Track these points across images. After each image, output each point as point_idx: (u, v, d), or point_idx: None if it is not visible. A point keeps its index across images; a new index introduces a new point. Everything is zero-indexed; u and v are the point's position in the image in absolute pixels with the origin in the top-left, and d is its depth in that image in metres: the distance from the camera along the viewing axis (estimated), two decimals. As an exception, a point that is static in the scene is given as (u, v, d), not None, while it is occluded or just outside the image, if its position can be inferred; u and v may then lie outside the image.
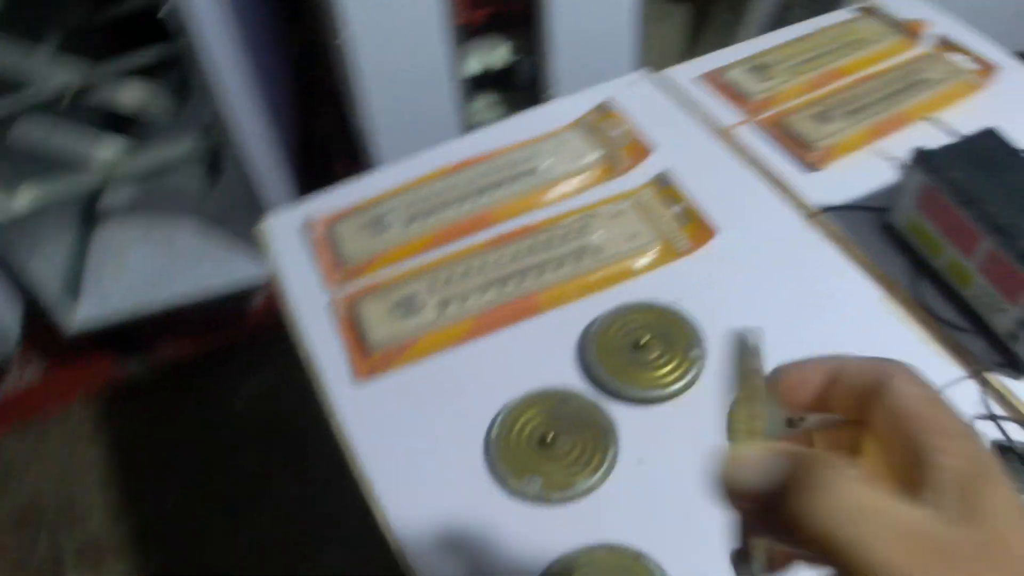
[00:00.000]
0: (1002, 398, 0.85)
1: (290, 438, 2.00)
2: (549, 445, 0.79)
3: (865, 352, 0.77)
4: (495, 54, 1.76)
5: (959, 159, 0.92)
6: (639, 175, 1.04)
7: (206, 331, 2.21)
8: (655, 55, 2.09)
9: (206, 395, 2.13)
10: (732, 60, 1.19)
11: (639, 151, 1.06)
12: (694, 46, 2.40)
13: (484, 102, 1.88)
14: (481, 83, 1.84)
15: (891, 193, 1.01)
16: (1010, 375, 0.88)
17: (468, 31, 1.72)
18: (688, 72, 1.19)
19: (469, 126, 1.81)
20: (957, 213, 0.88)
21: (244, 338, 2.20)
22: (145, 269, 2.00)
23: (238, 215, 2.00)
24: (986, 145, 0.95)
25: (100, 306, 1.94)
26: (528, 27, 1.72)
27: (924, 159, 0.90)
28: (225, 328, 2.21)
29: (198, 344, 2.22)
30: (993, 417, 0.84)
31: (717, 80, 1.16)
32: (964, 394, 0.86)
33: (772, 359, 0.86)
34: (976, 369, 0.89)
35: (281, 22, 2.26)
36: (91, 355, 2.18)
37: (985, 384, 0.87)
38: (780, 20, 2.21)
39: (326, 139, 2.32)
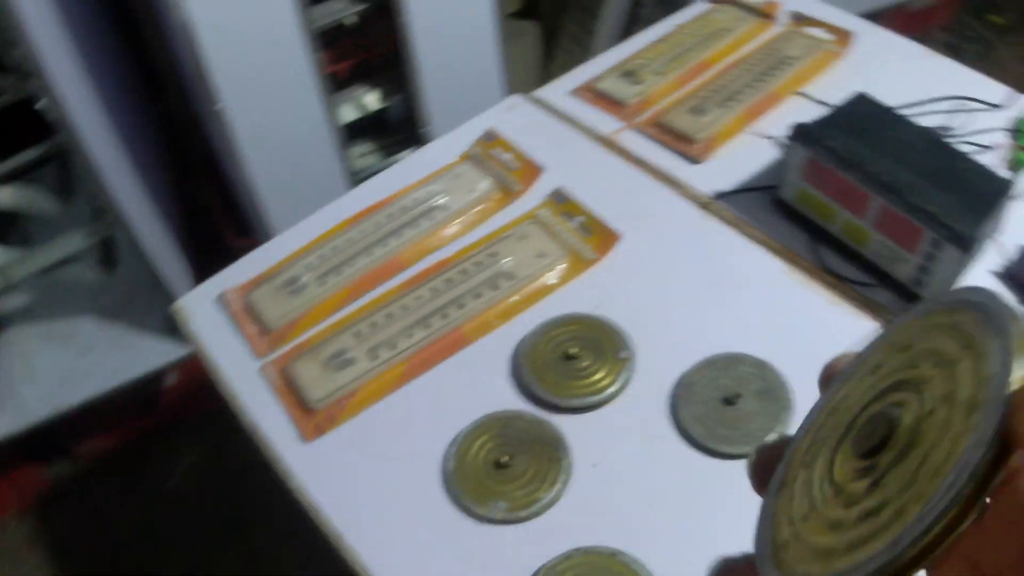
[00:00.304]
0: None
1: (232, 513, 1.97)
2: (505, 467, 0.81)
3: (779, 322, 0.81)
4: (367, 100, 1.77)
5: (836, 127, 0.96)
6: (535, 196, 1.06)
7: (126, 419, 2.17)
8: (515, 72, 2.13)
9: (139, 484, 2.08)
10: (601, 70, 1.22)
11: (530, 172, 1.08)
12: (550, 60, 2.44)
13: (364, 148, 1.89)
14: (358, 130, 1.85)
15: (776, 170, 1.05)
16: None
17: (337, 81, 1.73)
18: (561, 88, 1.21)
19: (353, 174, 1.81)
20: (843, 178, 0.92)
21: (166, 418, 2.16)
22: (55, 370, 1.95)
23: (140, 300, 1.97)
24: (858, 109, 1.00)
25: (17, 416, 1.89)
26: (396, 69, 1.74)
27: (803, 133, 0.95)
28: (145, 412, 2.17)
29: (121, 434, 2.17)
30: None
31: (591, 92, 1.19)
32: None
33: (694, 342, 0.91)
34: (888, 318, 0.93)
35: (144, 94, 2.24)
36: (16, 467, 2.12)
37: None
38: (631, 22, 2.27)
39: (212, 207, 2.30)
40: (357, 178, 1.81)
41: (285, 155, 1.72)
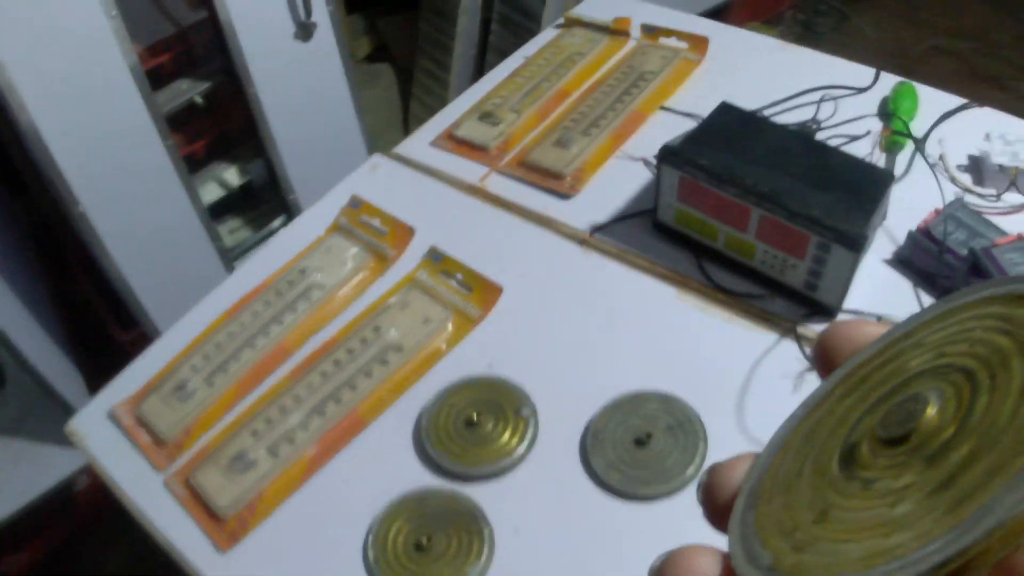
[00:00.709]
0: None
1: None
2: (427, 548, 0.77)
3: (679, 350, 0.76)
4: (227, 176, 1.71)
5: (703, 142, 0.92)
6: (410, 259, 1.00)
7: (45, 530, 2.07)
8: (377, 118, 2.08)
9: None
10: (458, 115, 1.17)
11: (402, 235, 1.02)
12: (410, 99, 2.40)
13: (234, 224, 1.82)
14: (225, 207, 1.78)
15: (652, 193, 1.01)
16: (819, 320, 0.90)
17: (195, 161, 1.66)
18: (422, 140, 1.16)
19: (226, 252, 1.74)
20: (720, 195, 0.88)
21: (86, 521, 2.06)
22: (-40, 498, 1.85)
23: (35, 412, 1.88)
24: (723, 120, 0.97)
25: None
26: (252, 141, 1.67)
27: (671, 154, 0.90)
28: (63, 519, 2.07)
29: (43, 545, 2.07)
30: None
31: (451, 140, 1.13)
32: (786, 352, 0.87)
33: (596, 386, 0.86)
34: (787, 327, 0.89)
35: (6, 195, 2.14)
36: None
37: (799, 337, 0.88)
38: (482, 52, 2.24)
39: (93, 303, 2.21)
40: (231, 255, 1.74)
41: (154, 245, 1.64)
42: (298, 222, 1.09)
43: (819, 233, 0.84)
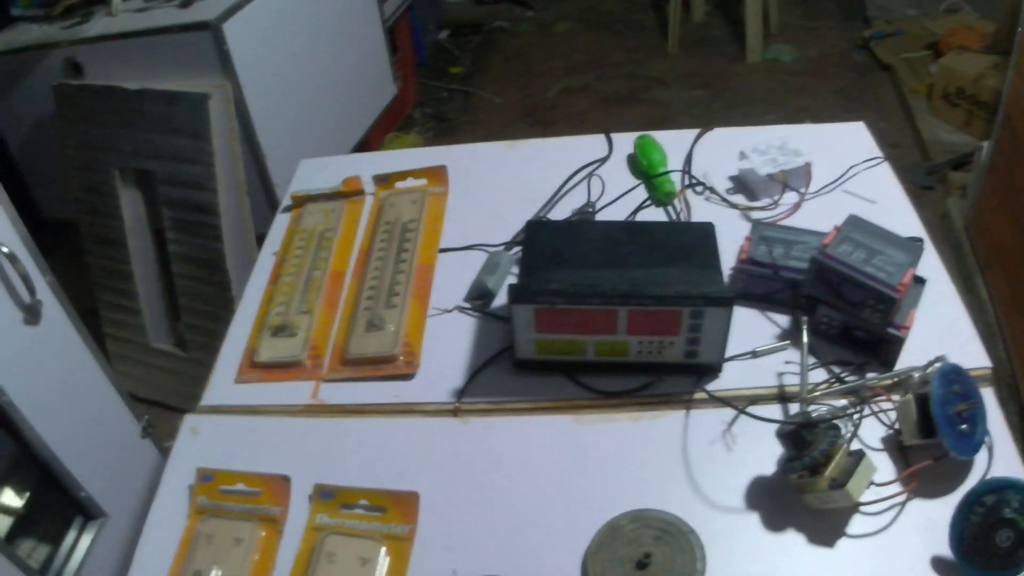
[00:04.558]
0: (721, 401, 0.87)
1: None
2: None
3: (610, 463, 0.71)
4: (5, 499, 1.48)
5: (539, 268, 0.89)
6: (300, 507, 0.86)
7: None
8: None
9: None
10: (243, 340, 1.05)
11: (276, 488, 0.87)
12: (104, 346, 2.20)
13: (30, 544, 1.58)
14: (21, 528, 1.54)
15: (489, 338, 0.98)
16: (708, 380, 0.91)
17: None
18: (223, 382, 1.01)
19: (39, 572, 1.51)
20: (582, 310, 0.86)
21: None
22: None
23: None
24: (540, 239, 0.94)
25: None
26: (28, 465, 1.46)
27: (521, 292, 0.86)
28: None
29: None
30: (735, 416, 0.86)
31: (256, 369, 1.01)
32: (700, 421, 0.88)
33: (561, 539, 0.80)
34: (685, 400, 0.89)
35: None
36: None
37: (690, 406, 0.89)
38: (164, 264, 2.10)
39: None
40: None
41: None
42: (147, 536, 0.89)
43: (690, 304, 0.84)
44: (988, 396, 0.83)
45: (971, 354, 0.89)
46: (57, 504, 1.54)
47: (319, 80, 2.30)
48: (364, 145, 2.56)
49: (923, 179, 2.53)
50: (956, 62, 2.71)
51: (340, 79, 2.42)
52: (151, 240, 2.09)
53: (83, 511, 1.55)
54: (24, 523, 1.49)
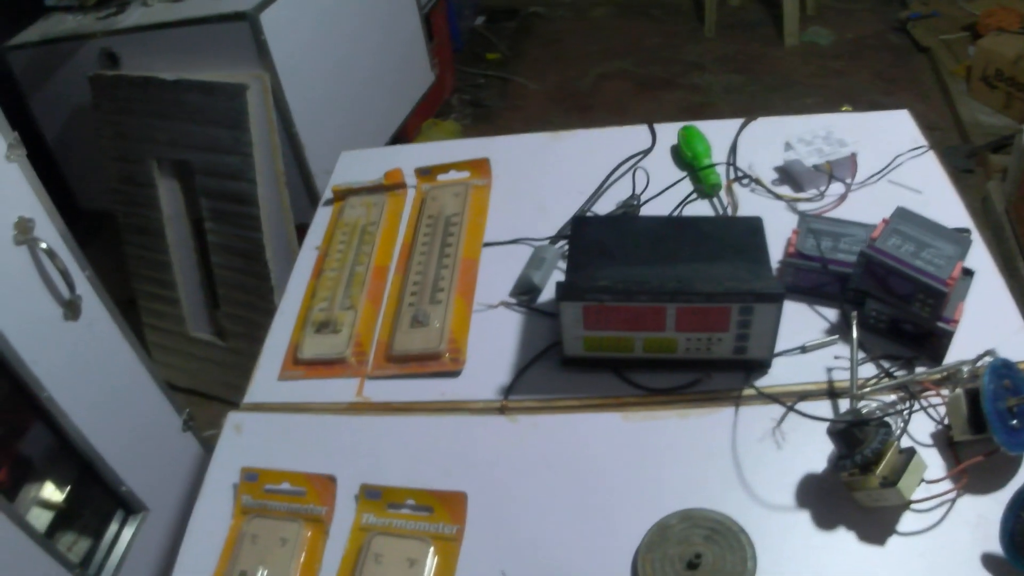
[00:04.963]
0: (770, 397, 0.87)
1: None
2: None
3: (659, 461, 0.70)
4: (48, 494, 1.49)
5: (587, 265, 0.89)
6: (346, 507, 0.87)
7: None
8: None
9: None
10: (287, 336, 1.05)
11: (323, 487, 0.86)
12: (143, 337, 2.22)
13: (71, 537, 1.60)
14: (62, 520, 1.55)
15: (535, 333, 0.97)
16: (757, 376, 0.90)
17: (5, 491, 1.44)
18: (267, 380, 1.01)
19: (78, 567, 1.52)
20: (631, 307, 0.85)
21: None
22: None
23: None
24: (587, 235, 0.94)
25: None
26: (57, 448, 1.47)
27: (569, 289, 0.85)
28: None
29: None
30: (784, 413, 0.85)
31: (300, 366, 1.01)
32: (749, 418, 0.87)
33: (610, 541, 0.79)
34: (734, 397, 0.88)
35: None
36: None
37: (739, 402, 0.88)
38: (203, 254, 2.11)
39: None
40: (88, 570, 1.52)
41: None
42: (191, 536, 0.89)
43: (740, 301, 0.83)
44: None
45: (1020, 346, 0.88)
46: (98, 498, 1.55)
47: (357, 69, 2.29)
48: (402, 133, 2.55)
49: (963, 162, 2.50)
50: (995, 43, 2.67)
51: (378, 67, 2.40)
52: (189, 230, 2.09)
53: (124, 505, 1.56)
54: (65, 517, 1.50)
